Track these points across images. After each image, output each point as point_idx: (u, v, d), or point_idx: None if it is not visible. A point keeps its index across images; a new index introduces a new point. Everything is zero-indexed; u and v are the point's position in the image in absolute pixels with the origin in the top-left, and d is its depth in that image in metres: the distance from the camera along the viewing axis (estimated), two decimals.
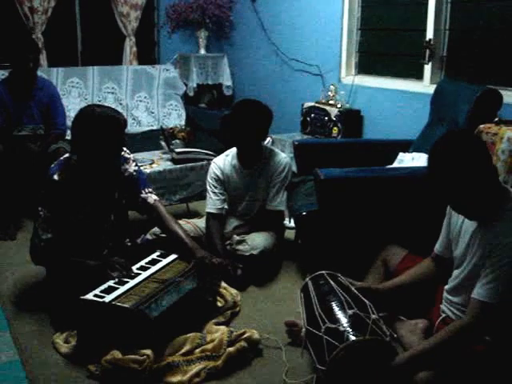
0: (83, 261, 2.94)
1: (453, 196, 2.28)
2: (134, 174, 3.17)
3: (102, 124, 2.89)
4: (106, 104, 5.60)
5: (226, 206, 3.70)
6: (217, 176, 3.71)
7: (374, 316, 2.36)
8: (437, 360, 2.24)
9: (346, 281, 2.62)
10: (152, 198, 3.18)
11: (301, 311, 2.62)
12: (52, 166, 3.05)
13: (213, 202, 3.66)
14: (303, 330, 2.55)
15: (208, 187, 3.72)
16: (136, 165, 3.21)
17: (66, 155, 3.11)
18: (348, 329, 2.29)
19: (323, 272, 2.67)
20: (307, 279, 2.70)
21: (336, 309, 2.42)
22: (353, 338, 2.26)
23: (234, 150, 3.75)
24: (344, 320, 2.34)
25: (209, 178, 3.74)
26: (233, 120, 3.62)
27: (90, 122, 2.91)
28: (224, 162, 3.74)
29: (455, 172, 2.21)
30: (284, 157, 3.74)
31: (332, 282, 2.57)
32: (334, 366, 2.25)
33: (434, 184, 2.30)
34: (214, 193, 3.68)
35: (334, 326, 2.33)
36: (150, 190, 3.22)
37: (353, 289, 2.56)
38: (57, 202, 2.98)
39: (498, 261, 2.20)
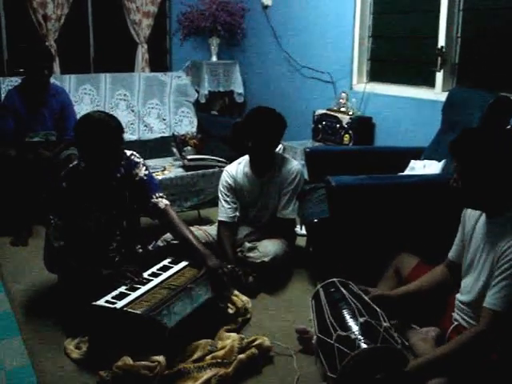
0: (95, 270, 2.95)
1: (470, 176, 2.31)
2: (145, 178, 3.17)
3: (95, 126, 2.92)
4: (119, 111, 5.65)
5: (237, 214, 3.70)
6: (229, 184, 3.71)
7: (385, 324, 2.35)
8: (449, 368, 2.23)
9: (357, 289, 2.61)
10: (163, 202, 3.18)
11: (312, 319, 2.62)
12: (61, 173, 3.07)
13: (225, 210, 3.67)
14: (315, 337, 2.54)
15: (220, 195, 3.73)
16: (146, 169, 3.21)
17: (75, 162, 3.13)
18: (359, 336, 2.29)
19: (334, 279, 2.67)
20: (318, 286, 2.69)
21: (347, 316, 2.41)
22: (364, 345, 2.25)
23: (246, 157, 3.75)
24: (355, 328, 2.33)
25: (221, 187, 3.74)
26: (247, 128, 3.62)
27: (85, 125, 2.96)
28: (236, 169, 3.75)
29: (484, 154, 2.28)
30: (296, 164, 3.73)
31: (343, 290, 2.57)
32: (346, 373, 2.24)
33: (458, 157, 2.36)
34: (226, 201, 3.69)
35: (345, 333, 2.32)
36: (161, 194, 3.22)
37: (364, 296, 2.55)
38: (67, 210, 3.00)
39: (507, 268, 2.19)
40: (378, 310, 2.46)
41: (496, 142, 2.32)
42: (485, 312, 2.24)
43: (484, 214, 2.41)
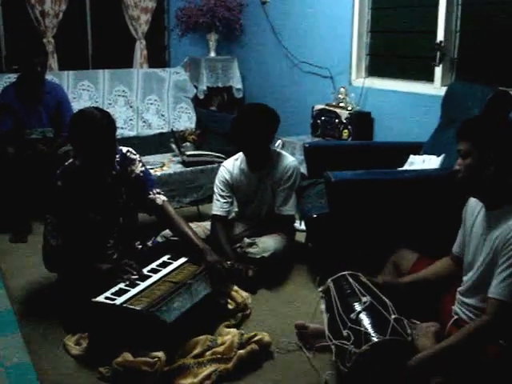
0: (94, 265, 2.95)
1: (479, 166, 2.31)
2: (141, 175, 3.16)
3: (87, 123, 2.89)
4: (117, 107, 5.65)
5: (232, 209, 3.71)
6: (226, 180, 3.71)
7: (395, 316, 2.36)
8: (452, 361, 2.22)
9: (367, 280, 2.61)
10: (160, 198, 3.16)
11: (323, 312, 2.61)
12: (57, 171, 3.06)
13: (220, 204, 3.67)
14: (326, 332, 2.53)
15: (215, 190, 3.73)
16: (143, 165, 3.19)
17: (70, 160, 3.11)
18: (370, 330, 2.31)
19: (345, 273, 2.66)
20: (329, 281, 2.68)
21: (358, 309, 2.42)
22: (375, 338, 2.27)
23: (242, 153, 3.75)
24: (367, 321, 2.35)
25: (217, 182, 3.74)
26: (239, 124, 3.62)
27: (77, 122, 2.93)
28: (233, 165, 3.75)
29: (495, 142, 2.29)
30: (292, 160, 3.73)
31: (353, 283, 2.56)
32: (357, 366, 2.25)
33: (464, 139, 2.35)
34: (222, 196, 3.69)
35: (356, 327, 2.33)
36: (158, 190, 3.20)
37: (374, 289, 2.55)
38: (63, 208, 2.98)
39: (511, 256, 2.19)
40: (388, 302, 2.46)
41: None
42: (490, 302, 2.24)
43: (483, 209, 2.40)
